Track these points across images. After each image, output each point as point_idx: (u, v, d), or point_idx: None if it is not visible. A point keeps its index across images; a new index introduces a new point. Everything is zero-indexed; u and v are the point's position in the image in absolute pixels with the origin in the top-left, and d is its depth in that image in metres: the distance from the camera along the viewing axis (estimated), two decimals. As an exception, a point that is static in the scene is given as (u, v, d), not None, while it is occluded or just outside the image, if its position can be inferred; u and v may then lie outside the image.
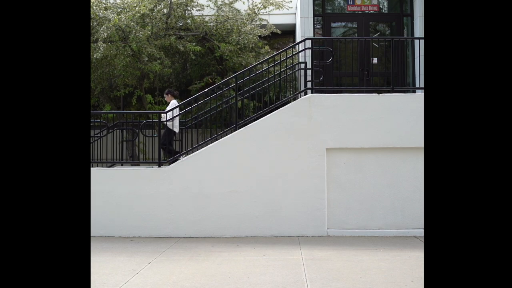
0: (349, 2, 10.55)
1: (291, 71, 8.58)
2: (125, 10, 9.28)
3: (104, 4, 9.29)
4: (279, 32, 10.44)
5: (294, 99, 7.72)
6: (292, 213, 7.01)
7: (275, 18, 11.23)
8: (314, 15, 10.24)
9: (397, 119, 7.07)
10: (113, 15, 8.65)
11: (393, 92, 7.40)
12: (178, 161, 7.31)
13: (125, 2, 9.49)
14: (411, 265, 5.17)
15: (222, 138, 7.29)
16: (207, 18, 10.28)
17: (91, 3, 8.72)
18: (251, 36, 9.72)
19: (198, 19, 10.09)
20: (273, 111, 7.31)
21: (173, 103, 8.20)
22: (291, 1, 10.87)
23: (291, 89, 8.99)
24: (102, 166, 7.90)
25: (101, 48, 8.36)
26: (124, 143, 8.55)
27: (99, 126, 8.52)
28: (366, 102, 7.14)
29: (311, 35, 9.80)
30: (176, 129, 8.16)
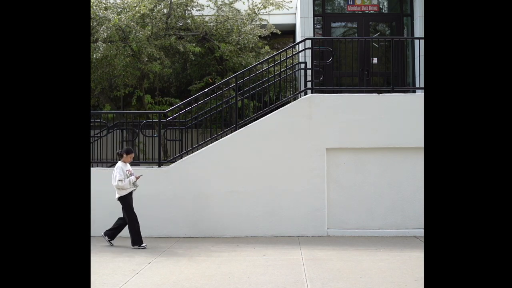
0: (349, 2, 10.54)
1: (291, 71, 8.58)
2: (125, 10, 9.27)
3: (104, 4, 9.28)
4: (279, 32, 10.43)
5: (294, 99, 7.72)
6: (292, 213, 7.01)
7: (275, 18, 11.21)
8: (314, 15, 10.23)
9: (397, 119, 7.07)
10: (113, 15, 8.64)
11: (393, 92, 7.40)
12: (178, 161, 7.30)
13: (125, 2, 9.47)
14: (411, 265, 5.17)
15: (222, 138, 7.29)
16: (207, 18, 10.26)
17: (91, 3, 8.72)
18: (251, 36, 9.71)
19: (198, 19, 10.08)
20: (273, 111, 7.32)
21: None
22: (291, 1, 10.85)
23: (291, 89, 8.99)
24: (102, 166, 7.90)
25: (101, 48, 8.34)
26: (124, 143, 8.53)
27: (99, 126, 8.51)
28: (366, 102, 7.14)
29: (311, 35, 9.79)
30: (131, 188, 6.44)
